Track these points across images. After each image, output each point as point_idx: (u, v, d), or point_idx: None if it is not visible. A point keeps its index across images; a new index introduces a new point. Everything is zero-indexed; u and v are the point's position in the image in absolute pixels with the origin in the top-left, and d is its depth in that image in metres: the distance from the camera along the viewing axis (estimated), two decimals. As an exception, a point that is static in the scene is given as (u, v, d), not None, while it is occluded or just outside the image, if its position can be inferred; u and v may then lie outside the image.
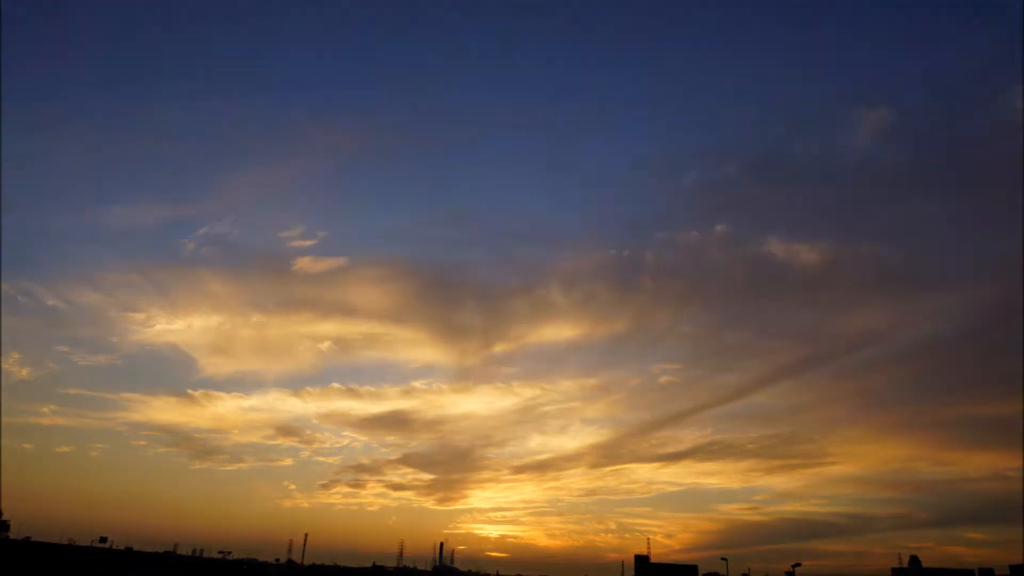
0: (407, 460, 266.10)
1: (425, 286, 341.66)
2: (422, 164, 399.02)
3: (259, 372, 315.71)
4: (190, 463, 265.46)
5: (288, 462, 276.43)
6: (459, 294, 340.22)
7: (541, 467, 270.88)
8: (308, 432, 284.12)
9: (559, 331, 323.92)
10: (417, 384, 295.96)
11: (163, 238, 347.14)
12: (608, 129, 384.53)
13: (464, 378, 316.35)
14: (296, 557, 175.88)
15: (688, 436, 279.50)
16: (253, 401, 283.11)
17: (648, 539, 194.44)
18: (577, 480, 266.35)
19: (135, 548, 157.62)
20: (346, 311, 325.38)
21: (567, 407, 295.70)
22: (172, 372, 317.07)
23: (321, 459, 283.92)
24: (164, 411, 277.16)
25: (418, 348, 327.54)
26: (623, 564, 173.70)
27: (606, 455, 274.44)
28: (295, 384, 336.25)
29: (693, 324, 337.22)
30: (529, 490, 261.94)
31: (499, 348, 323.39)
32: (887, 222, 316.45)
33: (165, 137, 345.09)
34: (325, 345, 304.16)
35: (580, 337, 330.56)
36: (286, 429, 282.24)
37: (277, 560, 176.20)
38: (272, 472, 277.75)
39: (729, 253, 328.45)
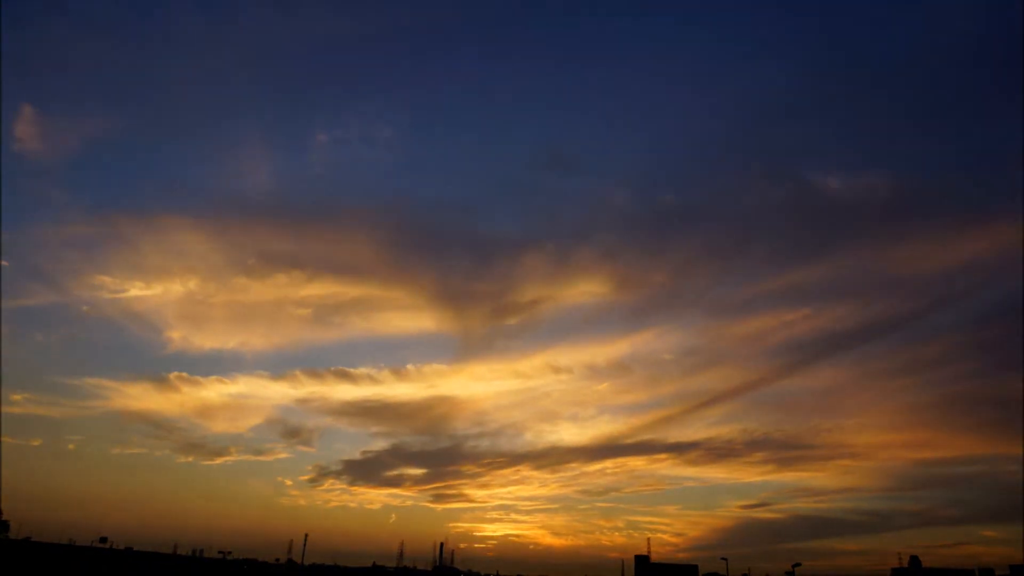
0: (405, 454, 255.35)
1: (422, 237, 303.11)
2: (415, 76, 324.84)
3: (239, 349, 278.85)
4: (175, 457, 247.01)
5: (279, 455, 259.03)
6: (461, 247, 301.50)
7: (548, 460, 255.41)
8: (295, 421, 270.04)
9: (576, 295, 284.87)
10: (413, 365, 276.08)
11: (114, 172, 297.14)
12: (628, 36, 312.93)
13: (466, 355, 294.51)
14: (296, 557, 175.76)
15: (707, 426, 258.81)
16: (235, 387, 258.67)
17: (648, 539, 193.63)
18: (585, 475, 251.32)
19: (135, 548, 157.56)
20: (334, 267, 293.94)
21: (579, 389, 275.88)
22: (145, 349, 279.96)
23: (307, 450, 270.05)
24: (140, 399, 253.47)
25: (414, 316, 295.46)
26: (623, 564, 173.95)
27: (617, 447, 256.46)
28: (280, 364, 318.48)
29: (725, 286, 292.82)
30: (534, 486, 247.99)
31: (507, 316, 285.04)
32: (979, 143, 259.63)
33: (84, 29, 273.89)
34: (310, 312, 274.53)
35: (598, 304, 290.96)
36: (273, 419, 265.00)
37: (277, 560, 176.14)
38: (262, 467, 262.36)
39: (771, 192, 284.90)
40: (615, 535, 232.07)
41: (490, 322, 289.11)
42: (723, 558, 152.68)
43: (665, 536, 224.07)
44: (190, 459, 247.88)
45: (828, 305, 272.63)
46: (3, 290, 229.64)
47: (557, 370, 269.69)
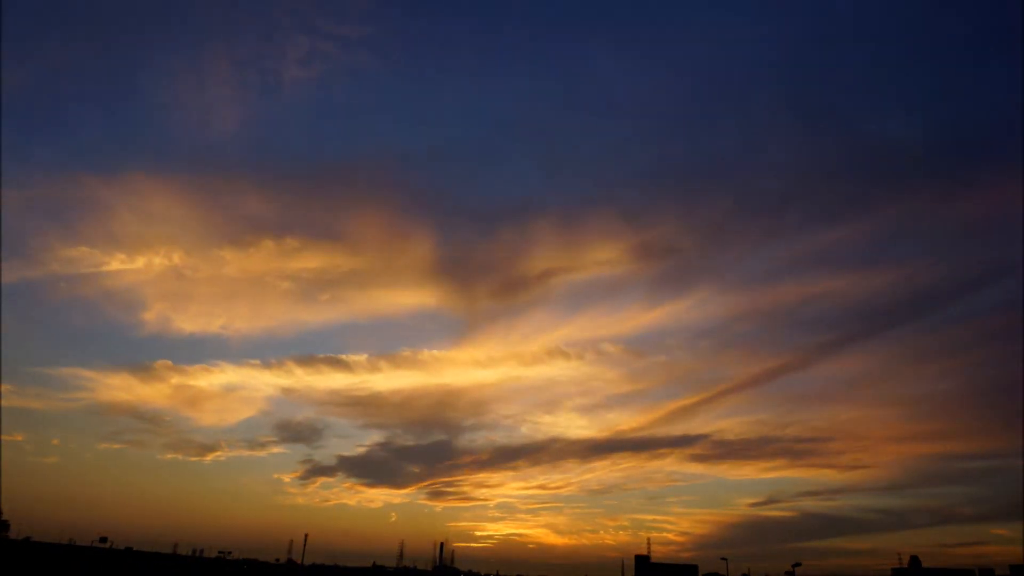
0: (403, 449, 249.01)
1: (419, 197, 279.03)
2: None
3: (223, 334, 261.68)
4: (163, 453, 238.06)
5: (273, 450, 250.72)
6: (463, 209, 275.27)
7: (552, 455, 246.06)
8: (287, 414, 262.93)
9: (590, 266, 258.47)
10: (410, 350, 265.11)
11: (69, 118, 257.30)
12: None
13: (468, 337, 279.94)
14: (296, 557, 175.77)
15: (720, 419, 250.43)
16: (224, 376, 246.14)
17: (648, 539, 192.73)
18: (591, 471, 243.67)
19: (135, 548, 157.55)
20: (322, 236, 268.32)
21: (589, 376, 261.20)
22: (123, 333, 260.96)
23: (301, 445, 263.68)
24: (123, 390, 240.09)
25: (411, 292, 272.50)
26: (623, 564, 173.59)
27: (625, 441, 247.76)
28: (268, 350, 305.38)
29: (760, 252, 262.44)
30: (537, 482, 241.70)
31: (513, 291, 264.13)
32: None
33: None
34: (298, 289, 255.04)
35: (614, 278, 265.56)
36: (264, 411, 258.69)
37: (277, 560, 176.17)
38: (255, 463, 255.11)
39: (814, 140, 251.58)
40: (620, 534, 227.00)
41: (495, 299, 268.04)
42: (723, 558, 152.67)
43: (670, 535, 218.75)
44: (179, 456, 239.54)
45: (871, 273, 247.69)
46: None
47: (567, 356, 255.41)
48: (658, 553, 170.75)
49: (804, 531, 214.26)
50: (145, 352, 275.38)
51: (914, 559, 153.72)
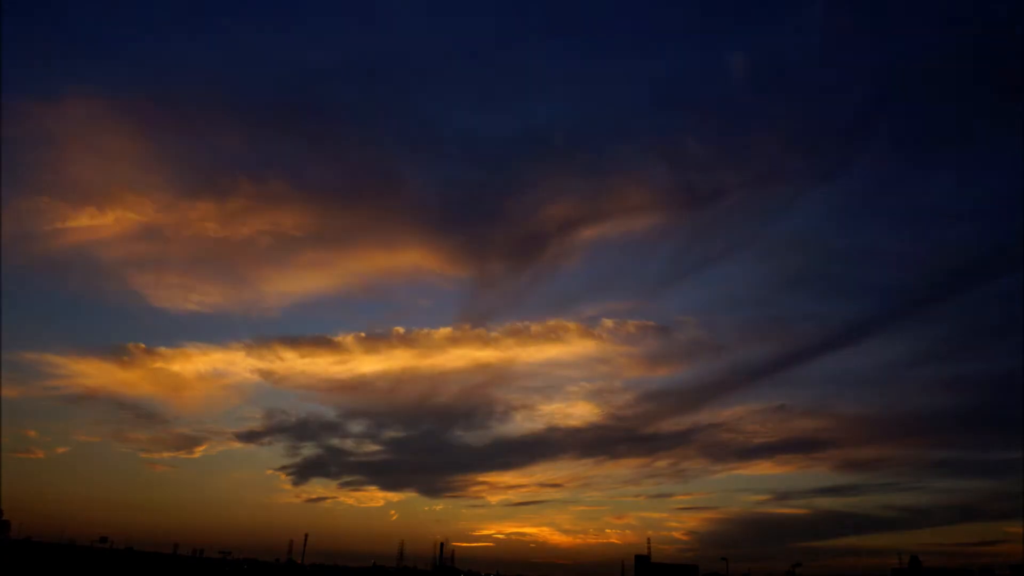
0: (401, 443, 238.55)
1: (413, 132, 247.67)
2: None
3: (202, 311, 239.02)
4: (146, 447, 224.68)
5: (264, 442, 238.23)
6: (463, 148, 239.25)
7: (556, 450, 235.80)
8: (275, 404, 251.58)
9: (611, 219, 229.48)
10: (405, 328, 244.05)
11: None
12: None
13: (470, 311, 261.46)
14: (296, 557, 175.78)
15: (736, 411, 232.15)
16: (206, 359, 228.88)
17: (648, 538, 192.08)
18: (598, 465, 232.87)
19: (135, 548, 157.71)
20: (307, 187, 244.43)
21: (603, 360, 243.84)
22: (92, 308, 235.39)
23: (294, 438, 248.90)
24: (98, 378, 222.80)
25: (408, 254, 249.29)
26: (623, 564, 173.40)
27: (636, 435, 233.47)
28: (252, 329, 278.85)
29: (813, 202, 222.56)
30: (541, 479, 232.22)
31: (521, 254, 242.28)
32: None
33: None
34: (283, 254, 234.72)
35: (638, 235, 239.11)
36: (250, 400, 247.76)
37: (277, 560, 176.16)
38: (247, 460, 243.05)
39: (903, 36, 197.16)
40: (627, 533, 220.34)
41: (502, 260, 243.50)
42: (723, 558, 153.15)
43: (677, 534, 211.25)
44: (164, 451, 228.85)
45: (953, 220, 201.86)
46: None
47: (580, 335, 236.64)
48: (664, 553, 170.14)
49: (818, 529, 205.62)
50: (116, 331, 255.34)
51: (914, 559, 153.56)
